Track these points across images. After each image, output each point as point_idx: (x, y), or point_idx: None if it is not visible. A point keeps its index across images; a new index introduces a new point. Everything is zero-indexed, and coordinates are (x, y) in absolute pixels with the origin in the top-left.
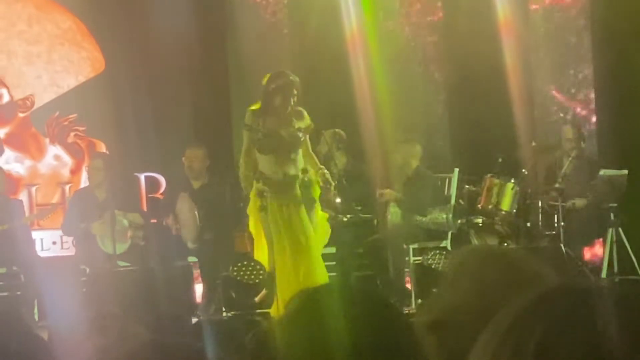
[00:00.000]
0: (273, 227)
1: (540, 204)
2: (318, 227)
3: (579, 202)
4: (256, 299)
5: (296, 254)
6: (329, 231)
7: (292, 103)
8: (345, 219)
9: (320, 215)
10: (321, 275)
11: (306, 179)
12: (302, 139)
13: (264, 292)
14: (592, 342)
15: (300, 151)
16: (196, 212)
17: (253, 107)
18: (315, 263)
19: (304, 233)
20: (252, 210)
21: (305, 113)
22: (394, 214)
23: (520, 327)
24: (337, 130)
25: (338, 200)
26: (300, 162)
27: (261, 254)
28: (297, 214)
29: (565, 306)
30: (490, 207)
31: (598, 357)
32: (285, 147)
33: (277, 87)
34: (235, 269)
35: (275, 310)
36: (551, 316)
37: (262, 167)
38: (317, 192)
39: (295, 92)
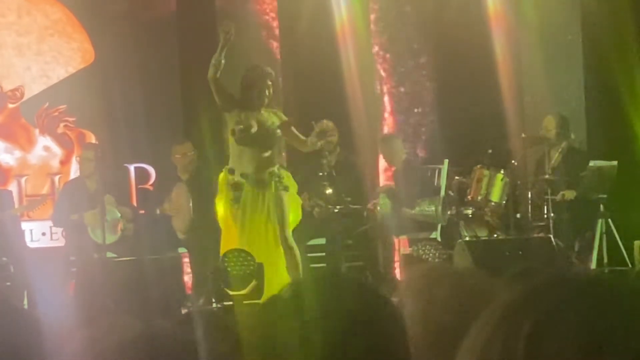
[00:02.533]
0: (248, 215)
1: (529, 195)
2: (290, 210)
3: (569, 194)
4: (246, 290)
5: (271, 242)
6: (300, 215)
7: (267, 94)
8: (335, 210)
9: (293, 198)
10: (293, 263)
11: (281, 172)
12: (278, 135)
13: (253, 283)
14: (583, 333)
15: (275, 147)
16: (191, 204)
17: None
18: (286, 250)
19: (280, 222)
20: (222, 200)
21: (279, 112)
22: (384, 204)
23: (510, 320)
24: (326, 121)
25: (329, 191)
26: (275, 158)
27: (230, 245)
28: (272, 204)
29: (555, 298)
30: (479, 198)
31: (589, 348)
32: (261, 143)
33: (252, 81)
34: (226, 260)
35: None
36: (541, 308)
37: (237, 159)
38: (290, 180)
39: (270, 83)
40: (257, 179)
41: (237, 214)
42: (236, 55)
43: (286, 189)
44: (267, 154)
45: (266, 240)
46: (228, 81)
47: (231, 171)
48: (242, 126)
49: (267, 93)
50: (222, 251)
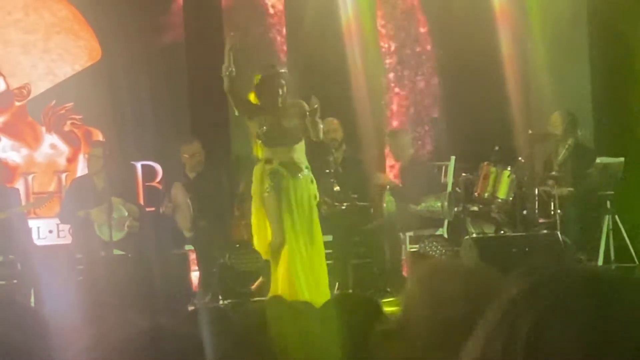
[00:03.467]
0: (285, 204)
1: (536, 192)
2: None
3: (576, 190)
4: (252, 287)
5: (309, 231)
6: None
7: (281, 94)
8: (342, 207)
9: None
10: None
11: (309, 167)
12: (302, 126)
13: (260, 279)
14: (587, 329)
15: (302, 141)
16: (189, 201)
17: (251, 97)
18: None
19: (313, 211)
20: (257, 192)
21: (302, 102)
22: (389, 202)
23: (513, 315)
24: (330, 118)
25: (335, 188)
26: (303, 153)
27: (262, 241)
28: (307, 193)
29: (559, 293)
30: (486, 194)
31: (593, 344)
32: (287, 141)
33: (266, 82)
34: (232, 256)
35: (276, 290)
36: (544, 303)
37: (269, 155)
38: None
39: (284, 82)
40: (294, 170)
41: (271, 202)
42: (243, 55)
43: (313, 181)
44: (295, 150)
45: (303, 230)
46: (241, 84)
47: (268, 161)
48: (265, 128)
49: (281, 92)
50: (256, 246)
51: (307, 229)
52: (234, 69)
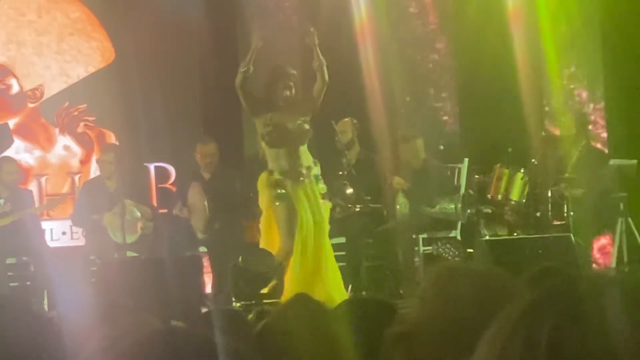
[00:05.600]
0: (297, 206)
1: (549, 194)
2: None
3: (589, 192)
4: (266, 289)
5: (317, 233)
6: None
7: (290, 95)
8: (355, 209)
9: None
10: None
11: (315, 169)
12: (308, 131)
13: (273, 282)
14: (604, 332)
15: (306, 142)
16: (206, 203)
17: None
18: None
19: (320, 214)
20: (264, 202)
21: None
22: (402, 204)
23: (530, 318)
24: (346, 119)
25: (349, 190)
26: (307, 155)
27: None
28: (313, 198)
29: (576, 296)
30: (499, 196)
31: (610, 347)
32: (292, 141)
33: (273, 81)
34: (245, 258)
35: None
36: (561, 308)
37: (273, 159)
38: (323, 184)
39: (292, 84)
40: (295, 175)
41: (280, 212)
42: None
43: (319, 179)
44: (300, 151)
45: (310, 236)
46: (253, 83)
47: (271, 172)
48: (270, 128)
49: (289, 93)
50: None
51: (316, 235)
52: (251, 68)
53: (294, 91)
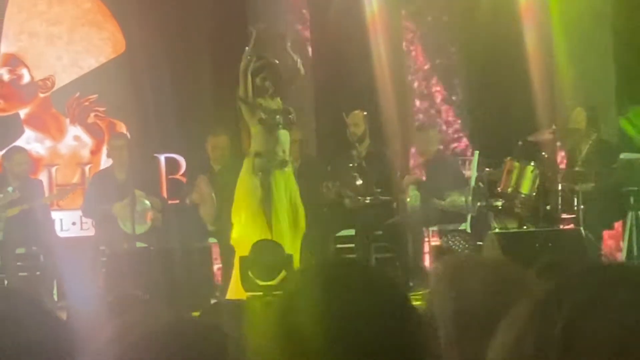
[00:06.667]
0: (276, 195)
1: (560, 187)
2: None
3: (599, 186)
4: (275, 281)
5: (293, 221)
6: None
7: (271, 84)
8: (365, 201)
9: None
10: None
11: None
12: (292, 118)
13: (283, 273)
14: (616, 325)
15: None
16: (214, 195)
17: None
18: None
19: (297, 203)
20: (244, 185)
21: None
22: (413, 196)
23: (543, 312)
24: (357, 111)
25: (358, 182)
26: (287, 142)
27: (254, 229)
28: (293, 185)
29: (588, 290)
30: (509, 190)
31: (622, 339)
32: (285, 126)
33: (257, 69)
34: (255, 250)
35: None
36: (574, 300)
37: (257, 144)
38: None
39: (275, 74)
40: (283, 163)
41: (264, 197)
42: (269, 47)
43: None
44: (286, 139)
45: (288, 222)
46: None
47: (257, 155)
48: (265, 114)
49: (268, 83)
50: (247, 237)
51: (292, 222)
52: (255, 55)
53: (274, 81)
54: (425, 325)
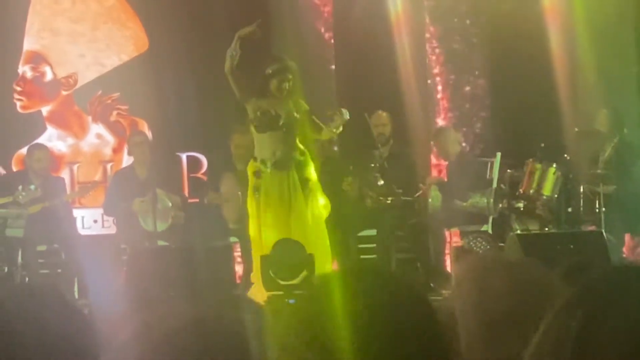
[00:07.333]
0: (263, 204)
1: (581, 189)
2: (315, 209)
3: (621, 188)
4: (296, 280)
5: (283, 231)
6: (324, 217)
7: (287, 87)
8: (386, 202)
9: (319, 198)
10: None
11: (302, 159)
12: (298, 120)
13: (304, 273)
14: (635, 327)
15: (296, 132)
16: (240, 193)
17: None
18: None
19: (297, 212)
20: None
21: (301, 100)
22: (434, 197)
23: (563, 313)
24: (380, 111)
25: (380, 182)
26: (296, 143)
27: (254, 232)
28: (292, 194)
29: (608, 292)
30: (531, 191)
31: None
32: (281, 127)
33: (272, 72)
34: (276, 249)
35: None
36: (593, 302)
37: (258, 147)
38: (311, 173)
39: (290, 76)
40: (277, 165)
41: (257, 202)
42: (290, 45)
43: (305, 178)
44: (286, 140)
45: (287, 228)
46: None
47: (255, 159)
48: (259, 113)
49: (286, 85)
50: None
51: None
52: (238, 52)
53: (291, 84)
54: (448, 331)
